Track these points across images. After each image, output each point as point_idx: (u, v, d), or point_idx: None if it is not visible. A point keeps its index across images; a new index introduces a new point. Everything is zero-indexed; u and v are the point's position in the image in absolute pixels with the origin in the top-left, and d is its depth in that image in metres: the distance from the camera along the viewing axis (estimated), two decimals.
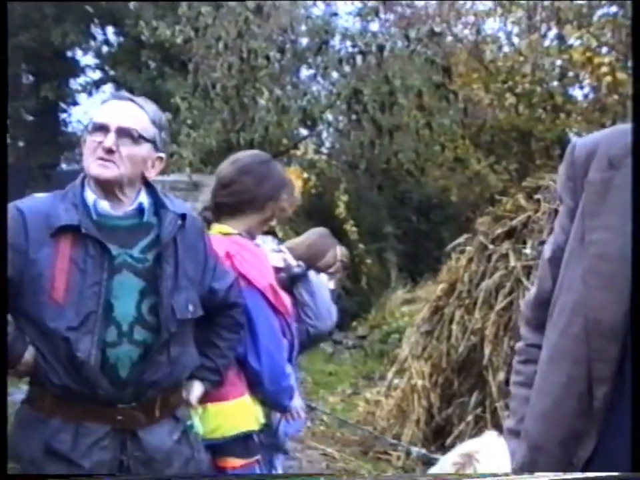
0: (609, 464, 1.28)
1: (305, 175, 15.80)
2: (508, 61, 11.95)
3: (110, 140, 2.19)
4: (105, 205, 2.23)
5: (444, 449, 5.09)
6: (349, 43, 10.15)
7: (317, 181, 14.77)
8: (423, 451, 5.67)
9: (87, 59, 18.42)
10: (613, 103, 10.13)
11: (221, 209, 2.79)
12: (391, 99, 9.89)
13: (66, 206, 2.20)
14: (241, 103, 10.57)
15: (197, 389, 2.42)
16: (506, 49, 12.73)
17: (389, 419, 6.46)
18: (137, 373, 2.18)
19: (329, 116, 11.88)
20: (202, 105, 10.55)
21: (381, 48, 9.74)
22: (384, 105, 9.86)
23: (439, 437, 5.84)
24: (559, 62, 11.62)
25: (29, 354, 2.16)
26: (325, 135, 13.77)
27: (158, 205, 2.31)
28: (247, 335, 2.64)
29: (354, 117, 10.45)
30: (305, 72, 12.73)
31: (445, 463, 2.92)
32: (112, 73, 17.72)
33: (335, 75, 11.33)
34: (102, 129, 2.22)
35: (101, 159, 2.20)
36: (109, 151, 2.19)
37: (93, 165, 2.22)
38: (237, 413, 2.69)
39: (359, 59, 10.11)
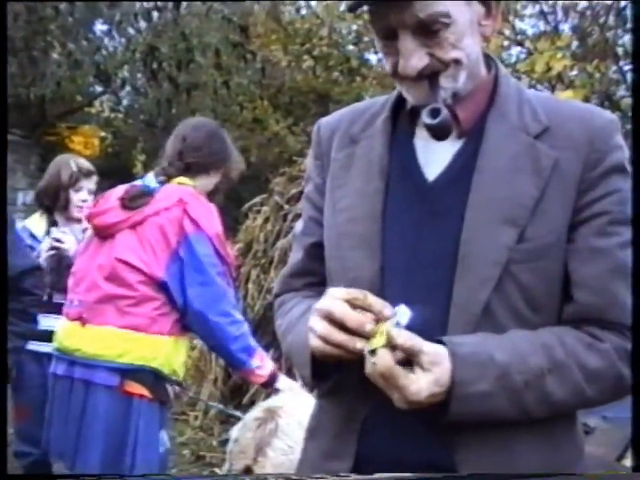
0: None
1: (102, 134, 15.35)
2: (306, 23, 12.09)
3: None
4: None
5: (241, 408, 5.15)
6: None
7: (114, 140, 14.34)
8: (221, 406, 5.70)
9: None
10: None
11: (190, 169, 2.96)
12: (188, 57, 9.74)
13: None
14: (30, 56, 10.04)
15: None
16: (304, 11, 12.88)
17: (186, 379, 6.44)
18: None
19: (125, 73, 11.54)
20: None
21: (177, 4, 9.54)
22: (181, 62, 9.69)
23: (236, 395, 5.88)
24: (354, 26, 11.90)
25: None
26: (122, 92, 13.40)
27: None
28: (194, 276, 2.78)
29: (151, 74, 10.19)
30: (100, 26, 12.29)
31: (248, 419, 2.97)
32: None
33: (131, 30, 11.00)
34: None
35: None
36: None
37: None
38: (149, 347, 2.79)
39: (154, 14, 9.86)
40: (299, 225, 1.61)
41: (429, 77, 1.33)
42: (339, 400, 1.39)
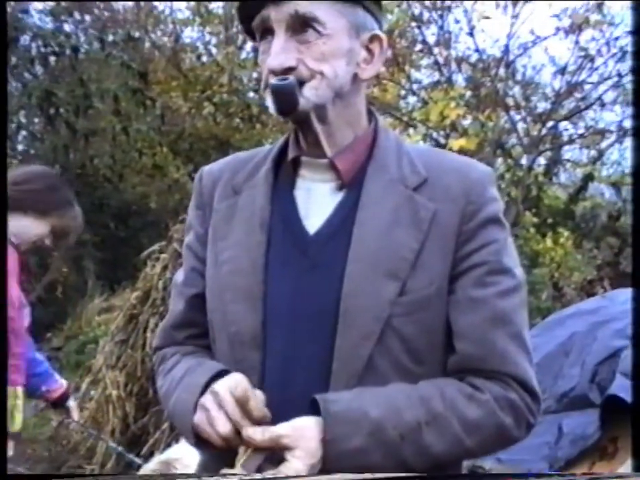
0: None
1: None
2: (206, 70, 12.13)
3: None
4: None
5: (140, 459, 5.04)
6: (40, 42, 9.69)
7: None
8: (120, 448, 5.57)
9: None
10: None
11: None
12: (86, 103, 9.60)
13: None
14: None
15: None
16: (204, 58, 12.92)
17: (82, 432, 6.26)
18: None
19: (21, 118, 11.30)
20: None
21: (75, 49, 9.43)
22: (78, 108, 9.54)
23: (135, 446, 5.74)
24: (254, 74, 12.00)
25: None
26: (18, 137, 13.12)
27: None
28: None
29: (47, 119, 10.00)
30: None
31: (145, 472, 2.91)
32: None
33: (27, 75, 10.80)
34: None
35: None
36: None
37: None
38: None
39: (52, 59, 9.72)
40: (179, 275, 1.58)
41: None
42: (222, 458, 1.36)
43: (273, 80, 1.34)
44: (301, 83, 1.34)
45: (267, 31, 1.38)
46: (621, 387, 2.99)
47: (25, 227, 2.82)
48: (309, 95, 1.35)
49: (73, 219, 2.95)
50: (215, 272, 1.45)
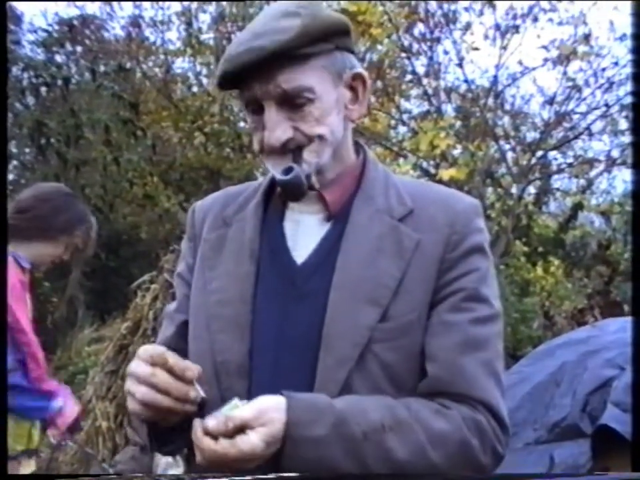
0: None
1: None
2: (197, 100, 12.19)
3: None
4: None
5: None
6: (32, 73, 9.74)
7: None
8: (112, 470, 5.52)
9: None
10: None
11: (11, 233, 2.75)
12: (77, 133, 9.63)
13: None
14: None
15: None
16: (195, 88, 12.98)
17: (72, 464, 6.21)
18: None
19: (12, 148, 11.32)
20: None
21: (66, 80, 9.47)
22: (69, 138, 9.56)
23: None
24: None
25: None
26: (9, 167, 13.12)
27: None
28: None
29: (38, 149, 10.02)
30: None
31: None
32: None
33: (18, 105, 10.84)
34: None
35: None
36: None
37: None
38: None
39: (43, 90, 9.75)
40: (172, 304, 1.60)
41: (293, 150, 1.37)
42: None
43: (279, 175, 1.36)
44: (300, 147, 1.37)
45: (256, 105, 1.39)
46: (612, 417, 2.98)
47: (38, 253, 2.86)
48: (311, 158, 1.38)
49: (85, 233, 2.95)
50: (202, 300, 1.47)
